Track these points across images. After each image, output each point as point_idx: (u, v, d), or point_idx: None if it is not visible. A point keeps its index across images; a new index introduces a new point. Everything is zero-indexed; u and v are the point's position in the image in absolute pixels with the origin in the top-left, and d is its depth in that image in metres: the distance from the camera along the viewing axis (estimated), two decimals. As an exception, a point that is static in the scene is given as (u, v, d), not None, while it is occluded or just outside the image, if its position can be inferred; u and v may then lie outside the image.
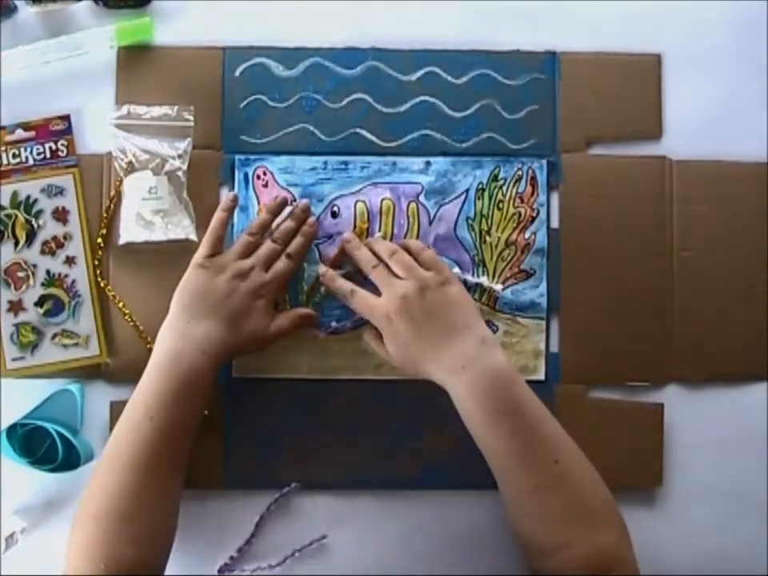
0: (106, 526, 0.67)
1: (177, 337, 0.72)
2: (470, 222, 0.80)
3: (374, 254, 0.75)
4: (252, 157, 0.79)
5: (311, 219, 0.78)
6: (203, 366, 0.71)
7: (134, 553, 0.67)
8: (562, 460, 0.68)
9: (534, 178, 0.80)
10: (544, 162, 0.80)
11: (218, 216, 0.76)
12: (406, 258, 0.74)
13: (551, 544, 0.68)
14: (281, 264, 0.76)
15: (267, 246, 0.76)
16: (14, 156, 0.78)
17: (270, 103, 0.80)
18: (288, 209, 0.79)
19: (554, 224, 0.81)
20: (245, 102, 0.80)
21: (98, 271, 0.78)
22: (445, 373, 0.70)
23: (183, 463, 0.72)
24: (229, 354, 0.74)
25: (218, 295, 0.73)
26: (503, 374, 0.70)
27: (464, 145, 0.80)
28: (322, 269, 0.77)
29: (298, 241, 0.77)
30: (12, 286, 0.77)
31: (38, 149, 0.78)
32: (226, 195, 0.78)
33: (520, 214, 0.80)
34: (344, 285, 0.76)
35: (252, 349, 0.76)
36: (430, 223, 0.80)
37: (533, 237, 0.80)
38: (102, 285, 0.78)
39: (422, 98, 0.80)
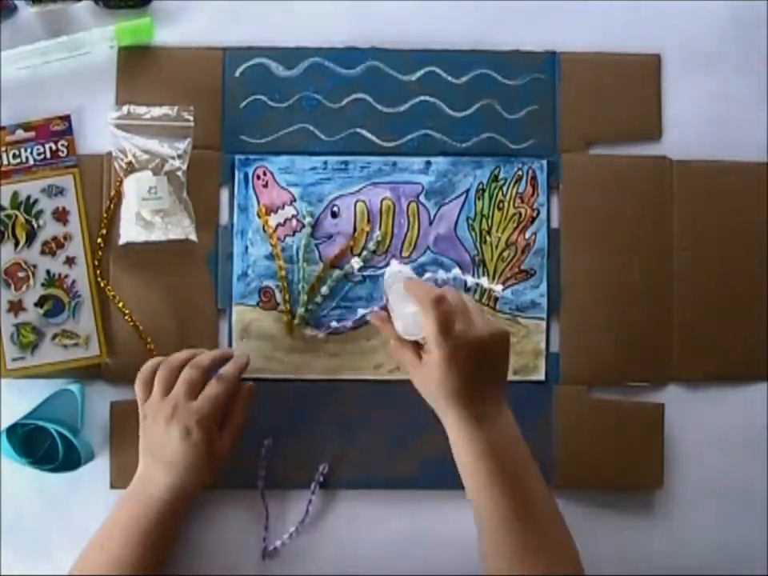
0: None
1: (136, 481, 0.73)
2: (470, 222, 0.80)
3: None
4: (252, 157, 0.79)
5: (244, 357, 0.75)
6: (156, 512, 0.71)
7: None
8: (551, 523, 0.67)
9: (534, 178, 0.80)
10: (544, 162, 0.80)
11: (151, 362, 0.73)
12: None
13: None
14: (211, 389, 0.72)
15: (184, 376, 0.72)
16: (14, 156, 0.78)
17: (270, 103, 0.80)
18: (289, 210, 0.79)
19: (554, 224, 0.81)
20: (245, 102, 0.80)
21: (98, 271, 0.78)
22: (456, 418, 0.68)
23: None
24: (185, 498, 0.72)
25: (158, 445, 0.71)
26: (515, 437, 0.69)
27: (464, 145, 0.80)
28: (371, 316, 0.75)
29: (229, 367, 0.74)
30: (12, 286, 0.77)
31: (38, 149, 0.78)
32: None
33: (520, 214, 0.80)
34: (427, 288, 0.71)
35: (204, 486, 0.74)
36: (430, 223, 0.80)
37: (533, 237, 0.80)
38: (102, 285, 0.78)
39: (422, 97, 0.80)
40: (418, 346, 0.70)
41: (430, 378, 0.68)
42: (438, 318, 0.66)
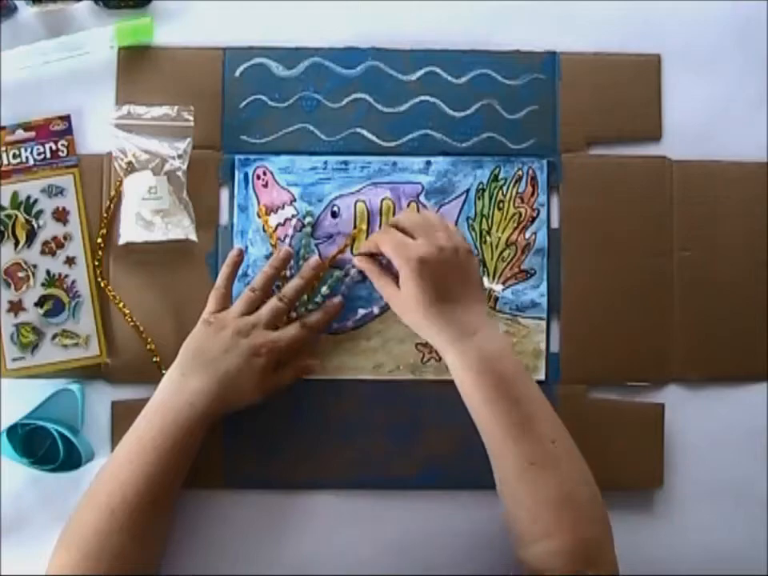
0: (74, 559, 0.68)
1: (170, 388, 0.72)
2: (471, 221, 0.80)
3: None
4: (252, 157, 0.79)
5: (335, 306, 0.77)
6: (189, 421, 0.71)
7: None
8: (558, 441, 0.69)
9: (534, 178, 0.80)
10: (544, 161, 0.80)
11: (222, 272, 0.76)
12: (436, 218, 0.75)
13: (535, 532, 0.67)
14: (292, 330, 0.75)
15: (271, 304, 0.75)
16: (14, 156, 0.78)
17: (270, 103, 0.80)
18: (289, 210, 0.79)
19: (554, 224, 0.81)
20: (245, 102, 0.80)
21: (98, 271, 0.78)
22: (448, 339, 0.71)
23: (166, 511, 0.72)
24: (218, 410, 0.73)
25: (215, 352, 0.72)
26: (505, 346, 0.72)
27: (464, 145, 0.80)
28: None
29: (317, 315, 0.77)
30: (12, 286, 0.77)
31: (38, 149, 0.78)
32: (231, 251, 0.77)
33: (520, 214, 0.80)
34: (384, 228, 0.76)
35: (243, 405, 0.74)
36: (430, 223, 0.80)
37: (533, 237, 0.80)
38: (102, 285, 0.78)
39: (422, 97, 0.80)
40: (395, 279, 0.73)
41: (404, 300, 0.72)
42: (391, 243, 0.71)
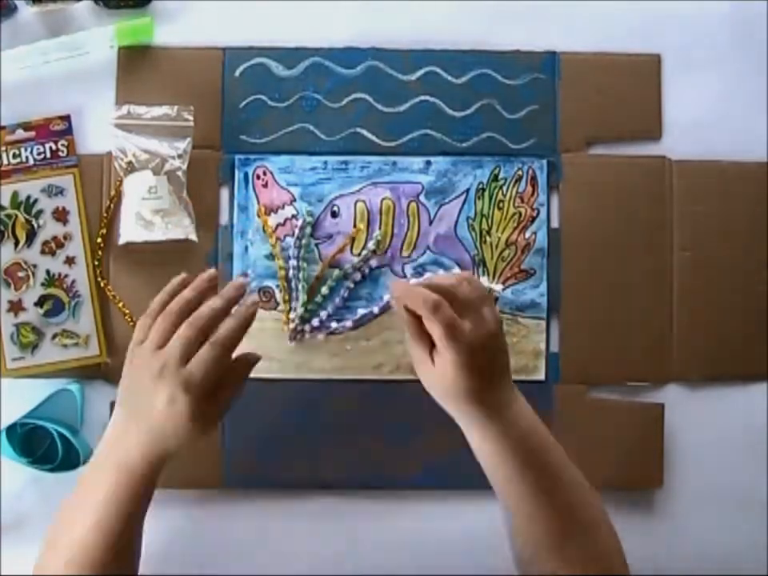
0: None
1: (113, 438, 0.66)
2: (471, 221, 0.80)
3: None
4: (252, 156, 0.79)
5: (252, 298, 0.68)
6: (132, 473, 0.64)
7: None
8: (582, 504, 0.67)
9: (534, 178, 0.80)
10: (544, 161, 0.80)
11: (159, 298, 0.68)
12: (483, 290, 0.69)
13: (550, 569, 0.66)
14: (204, 355, 0.64)
15: (183, 331, 0.65)
16: (14, 156, 0.78)
17: (270, 103, 0.80)
18: (289, 210, 0.79)
19: (554, 224, 0.81)
20: (245, 102, 0.80)
21: (98, 271, 0.78)
22: (478, 417, 0.66)
23: (126, 566, 0.67)
24: (158, 461, 0.65)
25: (141, 395, 0.65)
26: (536, 420, 0.68)
27: (464, 144, 0.80)
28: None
29: (227, 324, 0.65)
30: (12, 286, 0.77)
31: (38, 149, 0.78)
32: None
33: (520, 214, 0.80)
34: (424, 292, 0.65)
35: (185, 448, 0.66)
36: (431, 223, 0.80)
37: (533, 237, 0.80)
38: (102, 285, 0.78)
39: (422, 97, 0.80)
40: (431, 344, 0.66)
41: (441, 380, 0.65)
42: (443, 323, 0.63)
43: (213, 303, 0.66)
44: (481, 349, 0.64)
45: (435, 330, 0.64)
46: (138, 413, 0.65)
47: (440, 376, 0.65)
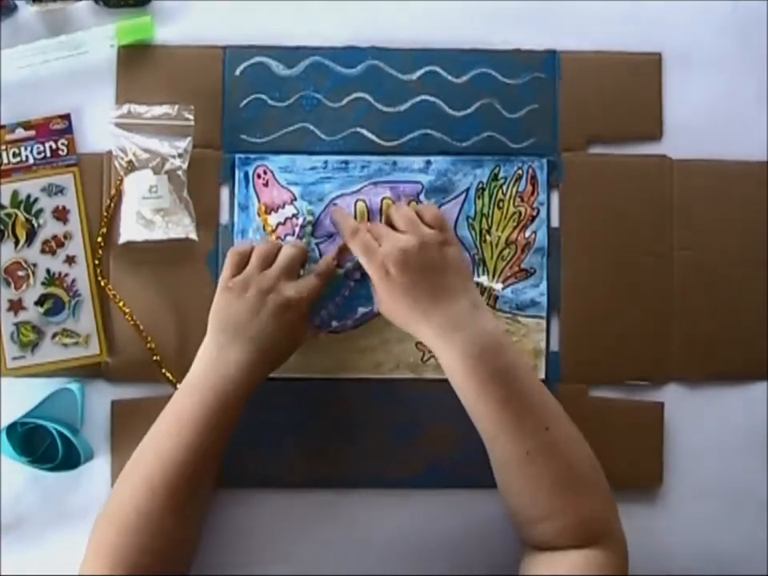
0: (116, 535, 0.67)
1: (208, 363, 0.71)
2: (470, 220, 0.80)
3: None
4: (252, 156, 0.79)
5: (332, 257, 0.77)
6: (231, 395, 0.69)
7: (145, 561, 0.66)
8: (551, 427, 0.68)
9: (534, 177, 0.80)
10: (544, 161, 0.80)
11: (247, 241, 0.77)
12: (410, 213, 0.74)
13: (538, 514, 0.68)
14: (312, 280, 0.74)
15: (286, 252, 0.74)
16: (14, 155, 0.78)
17: (270, 102, 0.80)
18: (289, 209, 0.79)
19: (554, 223, 0.81)
20: (245, 101, 0.80)
21: (99, 270, 0.78)
22: (435, 335, 0.70)
23: (206, 488, 0.71)
24: (260, 377, 0.72)
25: (245, 316, 0.71)
26: (495, 338, 0.70)
27: (464, 144, 0.80)
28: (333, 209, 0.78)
29: (322, 263, 0.77)
30: (12, 285, 0.77)
31: (38, 148, 0.78)
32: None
33: (520, 213, 0.80)
34: (349, 221, 0.76)
35: (282, 363, 0.74)
36: (431, 222, 0.80)
37: (533, 236, 0.80)
38: (102, 284, 0.78)
39: (423, 97, 0.80)
40: None
41: (388, 305, 0.72)
42: (358, 244, 0.72)
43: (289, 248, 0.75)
44: (400, 264, 0.70)
45: (356, 252, 0.73)
46: (242, 331, 0.70)
47: (384, 302, 0.72)
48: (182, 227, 0.77)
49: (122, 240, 0.77)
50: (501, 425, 0.68)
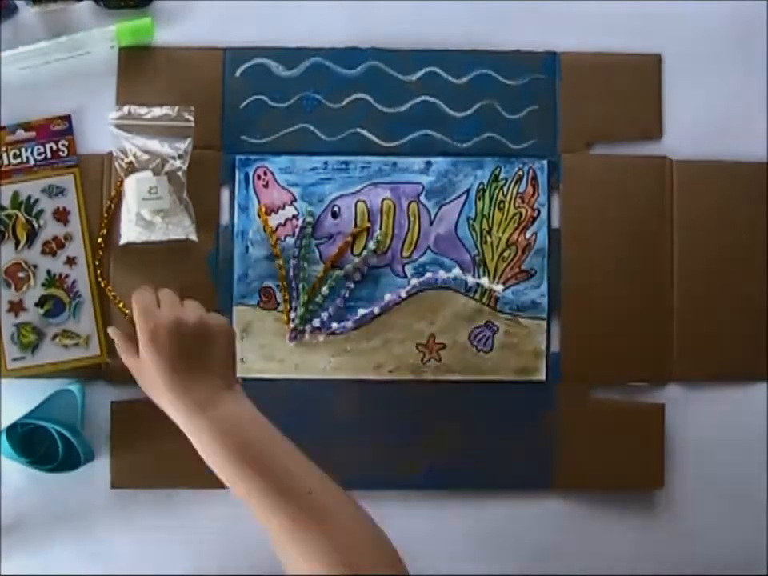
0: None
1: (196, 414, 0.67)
2: (471, 222, 0.80)
3: None
4: (252, 157, 0.79)
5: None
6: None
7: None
8: (316, 491, 0.64)
9: (534, 178, 0.80)
10: (545, 162, 0.80)
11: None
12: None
13: None
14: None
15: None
16: (14, 156, 0.78)
17: (271, 103, 0.80)
18: (289, 210, 0.79)
19: (555, 224, 0.81)
20: (245, 102, 0.80)
21: (99, 271, 0.78)
22: (187, 413, 0.66)
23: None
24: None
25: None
26: (247, 414, 0.68)
27: (464, 145, 0.80)
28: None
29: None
30: (12, 286, 0.77)
31: (38, 149, 0.78)
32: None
33: (521, 214, 0.80)
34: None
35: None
36: (431, 223, 0.80)
37: (533, 237, 0.80)
38: (102, 285, 0.78)
39: (423, 97, 0.80)
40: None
41: (144, 374, 0.69)
42: (138, 304, 0.69)
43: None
44: (171, 333, 0.67)
45: (134, 311, 0.69)
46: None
47: (142, 369, 0.69)
48: (182, 228, 0.77)
49: (122, 241, 0.77)
50: (264, 498, 0.64)
